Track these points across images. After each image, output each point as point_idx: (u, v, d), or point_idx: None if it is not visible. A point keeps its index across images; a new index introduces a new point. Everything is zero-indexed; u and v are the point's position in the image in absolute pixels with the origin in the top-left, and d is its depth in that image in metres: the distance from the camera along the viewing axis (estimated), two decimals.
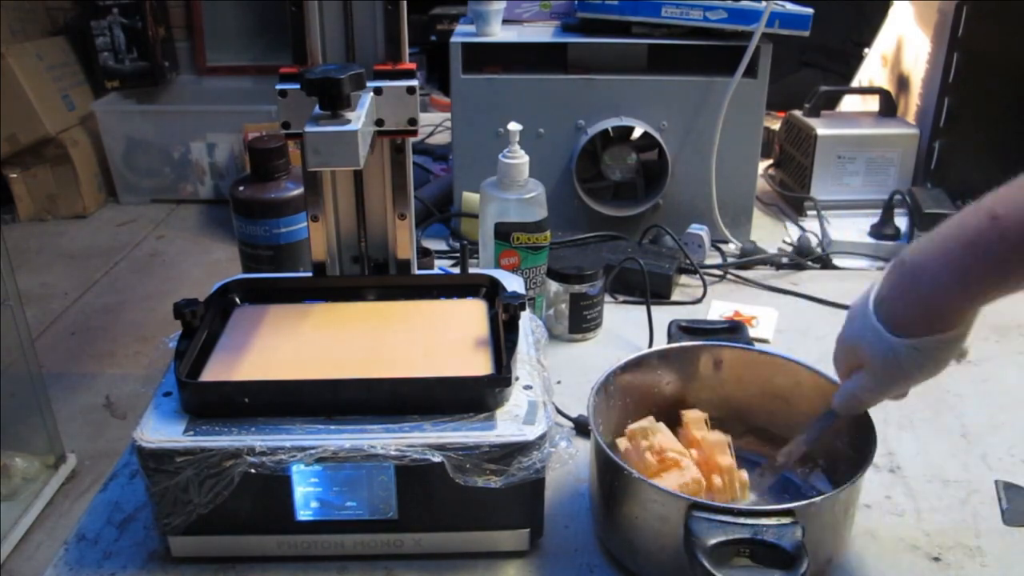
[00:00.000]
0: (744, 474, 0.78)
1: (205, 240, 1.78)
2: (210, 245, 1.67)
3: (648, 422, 0.80)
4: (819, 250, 1.37)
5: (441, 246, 1.38)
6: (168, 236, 1.84)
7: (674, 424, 0.84)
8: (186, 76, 4.06)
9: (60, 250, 2.09)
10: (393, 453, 0.68)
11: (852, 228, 1.42)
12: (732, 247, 1.39)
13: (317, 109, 0.72)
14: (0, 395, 1.89)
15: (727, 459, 0.77)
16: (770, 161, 1.71)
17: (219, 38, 4.19)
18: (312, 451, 0.67)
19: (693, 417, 0.83)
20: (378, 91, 0.79)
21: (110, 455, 2.10)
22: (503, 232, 1.06)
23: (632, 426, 0.81)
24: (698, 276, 1.27)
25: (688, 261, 1.28)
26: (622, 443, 0.80)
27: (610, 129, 1.33)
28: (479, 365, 0.77)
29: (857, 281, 1.31)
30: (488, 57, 1.33)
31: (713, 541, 0.63)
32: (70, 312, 1.72)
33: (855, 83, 1.88)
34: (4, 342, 1.88)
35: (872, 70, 1.83)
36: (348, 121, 0.71)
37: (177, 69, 4.02)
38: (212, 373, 0.76)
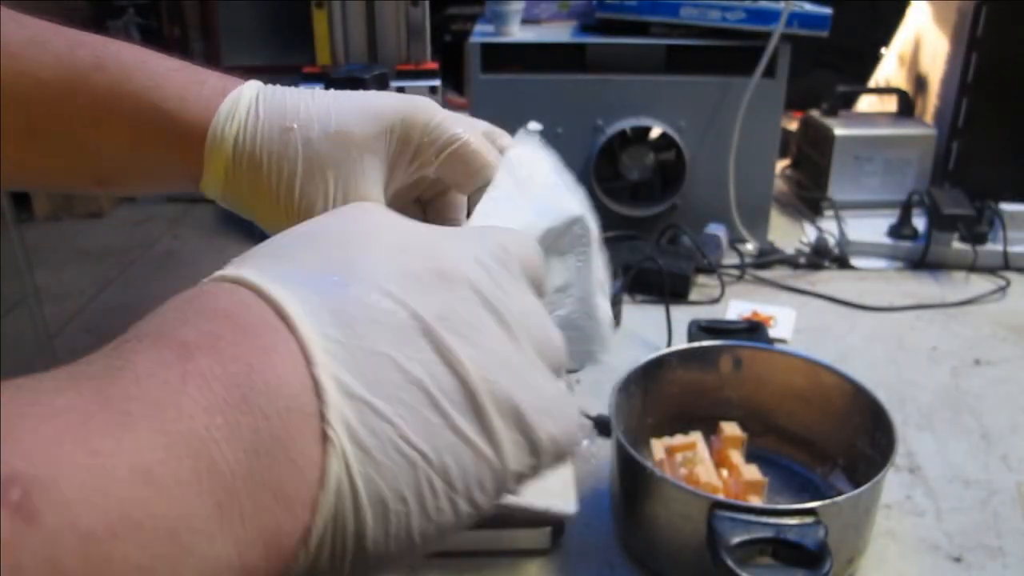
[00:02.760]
0: None
1: (220, 239, 1.79)
2: (225, 244, 1.68)
3: (694, 445, 0.80)
4: (836, 250, 1.37)
5: None
6: (184, 235, 1.85)
7: (694, 421, 0.84)
8: None
9: (76, 249, 2.09)
10: None
11: (870, 228, 1.42)
12: (750, 247, 1.39)
13: None
14: None
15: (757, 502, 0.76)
16: (787, 161, 1.71)
17: (234, 37, 4.20)
18: None
19: (731, 436, 0.82)
20: (400, 91, 0.80)
21: None
22: None
23: (674, 441, 0.81)
24: (716, 276, 1.27)
25: (706, 261, 1.28)
26: (657, 451, 0.80)
27: (628, 129, 1.34)
28: None
29: (875, 281, 1.31)
30: (507, 57, 1.34)
31: (736, 540, 0.63)
32: (87, 311, 1.72)
33: (872, 83, 1.88)
34: (22, 340, 1.89)
35: (889, 70, 1.83)
36: None
37: None
38: None
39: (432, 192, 0.51)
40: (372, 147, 0.44)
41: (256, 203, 0.45)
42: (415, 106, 0.46)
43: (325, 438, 0.27)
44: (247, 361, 0.27)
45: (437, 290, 0.31)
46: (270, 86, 0.46)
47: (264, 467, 0.26)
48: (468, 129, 0.47)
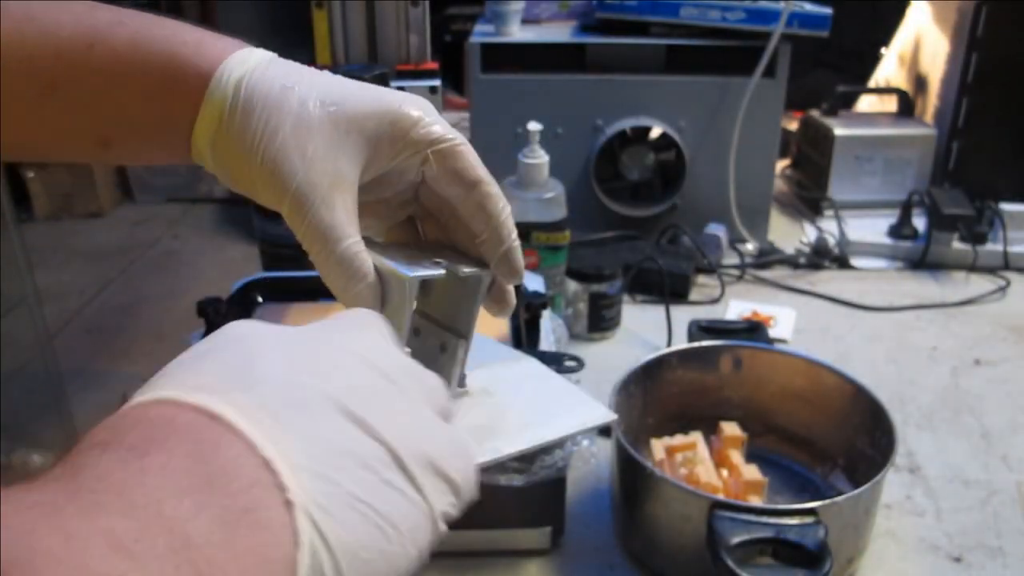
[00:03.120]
0: None
1: (220, 239, 1.79)
2: (225, 244, 1.68)
3: (694, 445, 0.80)
4: (836, 250, 1.37)
5: None
6: (184, 235, 1.85)
7: (694, 421, 0.84)
8: None
9: (76, 249, 2.09)
10: None
11: (870, 228, 1.42)
12: (749, 247, 1.38)
13: None
14: (18, 392, 1.90)
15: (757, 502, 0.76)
16: (787, 161, 1.71)
17: (235, 37, 4.20)
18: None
19: (731, 436, 0.82)
20: (401, 91, 0.80)
21: None
22: (523, 231, 1.06)
23: (674, 441, 0.81)
24: (716, 276, 1.27)
25: (706, 261, 1.28)
26: (657, 451, 0.80)
27: (628, 129, 1.33)
28: None
29: (875, 281, 1.31)
30: (507, 57, 1.34)
31: (736, 540, 0.63)
32: (86, 310, 1.72)
33: (872, 83, 1.88)
34: (22, 340, 1.89)
35: (889, 70, 1.83)
36: None
37: None
38: None
39: (423, 211, 0.51)
40: (361, 125, 0.45)
41: (235, 158, 0.45)
42: (416, 101, 0.47)
43: (288, 504, 0.29)
44: (199, 455, 0.28)
45: (336, 372, 0.34)
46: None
47: (241, 536, 0.28)
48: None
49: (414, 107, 0.47)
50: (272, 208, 0.46)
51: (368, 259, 0.46)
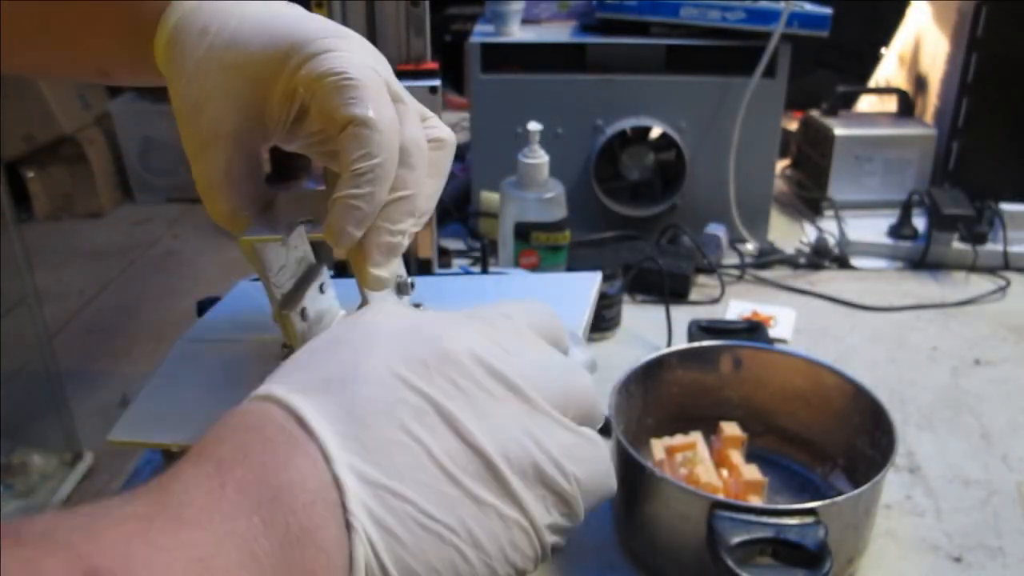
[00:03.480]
0: None
1: (220, 239, 1.79)
2: (225, 244, 1.68)
3: (693, 446, 0.80)
4: (836, 250, 1.37)
5: (459, 245, 1.39)
6: (183, 235, 1.85)
7: (694, 421, 0.84)
8: None
9: (76, 249, 2.10)
10: None
11: (870, 228, 1.42)
12: (750, 247, 1.39)
13: None
14: (18, 392, 1.90)
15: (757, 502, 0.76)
16: (787, 161, 1.71)
17: None
18: None
19: (731, 436, 0.82)
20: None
21: (126, 453, 2.11)
22: (523, 231, 1.06)
23: (674, 441, 0.81)
24: (716, 276, 1.27)
25: (706, 261, 1.28)
26: (657, 451, 0.80)
27: (628, 129, 1.33)
28: None
29: (875, 281, 1.31)
30: (507, 57, 1.34)
31: (736, 540, 0.63)
32: (86, 310, 1.73)
33: (872, 83, 1.88)
34: (22, 340, 1.89)
35: (889, 70, 1.83)
36: None
37: None
38: None
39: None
40: (242, 66, 0.42)
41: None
42: (309, 23, 0.43)
43: (348, 526, 0.30)
44: (273, 467, 0.30)
45: (444, 369, 0.33)
46: None
47: (297, 555, 0.29)
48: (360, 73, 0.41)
49: (303, 33, 0.42)
50: None
51: (240, 225, 0.44)
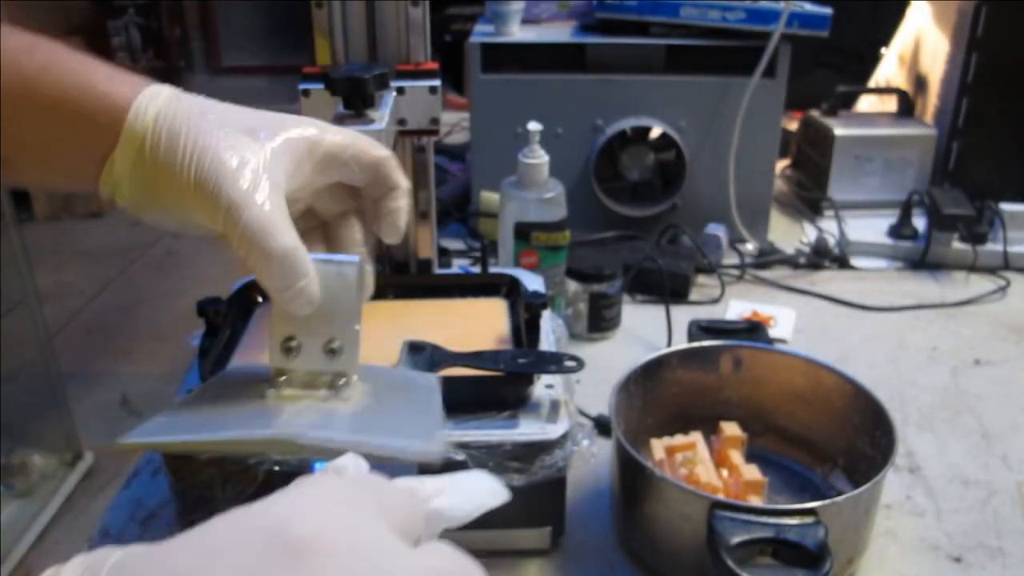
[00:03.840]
0: None
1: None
2: (225, 244, 1.68)
3: (693, 446, 0.80)
4: (836, 250, 1.37)
5: (459, 246, 1.39)
6: (183, 235, 1.86)
7: (694, 421, 0.84)
8: (201, 76, 4.08)
9: (76, 249, 2.10)
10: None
11: (870, 228, 1.42)
12: (750, 247, 1.39)
13: (341, 108, 0.72)
14: (18, 392, 1.90)
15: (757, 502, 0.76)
16: (787, 161, 1.71)
17: (234, 37, 4.21)
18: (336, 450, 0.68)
19: (731, 436, 0.82)
20: (400, 91, 0.80)
21: (126, 453, 2.11)
22: (523, 231, 1.06)
23: (674, 441, 0.81)
24: (716, 276, 1.27)
25: (706, 261, 1.28)
26: (657, 451, 0.80)
27: (628, 129, 1.34)
28: None
29: (875, 281, 1.31)
30: (507, 57, 1.34)
31: (736, 540, 0.63)
32: (86, 310, 1.73)
33: (872, 83, 1.88)
34: (22, 340, 1.89)
35: (889, 70, 1.83)
36: (372, 120, 0.71)
37: (192, 69, 4.04)
38: None
39: (333, 216, 0.58)
40: (285, 145, 0.51)
41: (162, 180, 0.48)
42: (314, 122, 0.54)
43: None
44: None
45: None
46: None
47: None
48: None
49: (329, 132, 0.54)
50: (203, 224, 0.49)
51: (307, 256, 0.48)
